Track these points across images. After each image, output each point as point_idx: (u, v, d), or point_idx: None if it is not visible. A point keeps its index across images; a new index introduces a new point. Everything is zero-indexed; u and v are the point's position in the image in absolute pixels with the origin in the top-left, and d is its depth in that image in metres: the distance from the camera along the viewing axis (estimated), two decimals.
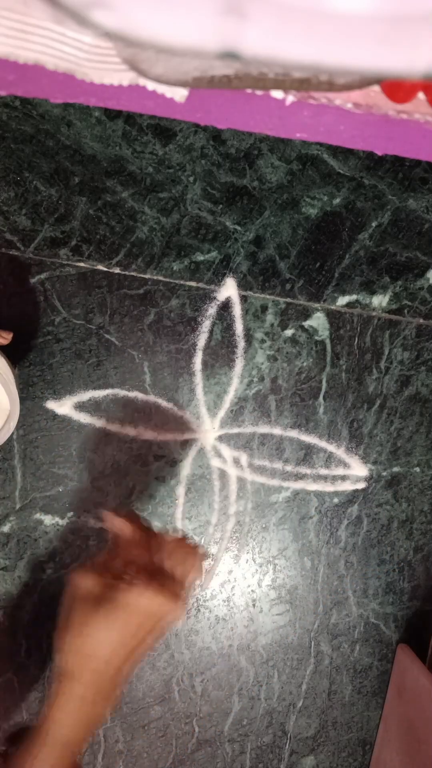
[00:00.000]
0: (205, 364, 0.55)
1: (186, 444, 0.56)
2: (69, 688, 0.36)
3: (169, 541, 0.41)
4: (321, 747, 0.63)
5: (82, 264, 0.53)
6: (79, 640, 0.37)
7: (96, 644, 0.37)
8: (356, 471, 0.58)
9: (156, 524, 0.57)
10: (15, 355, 0.49)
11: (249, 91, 0.45)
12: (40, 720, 0.37)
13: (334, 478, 0.58)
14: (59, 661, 0.38)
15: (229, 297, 0.55)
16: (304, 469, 0.58)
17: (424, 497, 0.60)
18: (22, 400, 0.54)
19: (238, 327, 0.55)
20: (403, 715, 0.58)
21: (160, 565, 0.40)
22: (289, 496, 0.58)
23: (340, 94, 0.45)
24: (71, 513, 0.56)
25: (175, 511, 0.57)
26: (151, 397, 0.55)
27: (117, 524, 0.42)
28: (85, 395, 0.55)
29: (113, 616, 0.36)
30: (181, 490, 0.57)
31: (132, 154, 0.51)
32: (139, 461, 0.56)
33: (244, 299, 0.55)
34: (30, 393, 0.54)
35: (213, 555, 0.58)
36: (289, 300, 0.55)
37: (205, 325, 0.55)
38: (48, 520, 0.56)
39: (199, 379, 0.56)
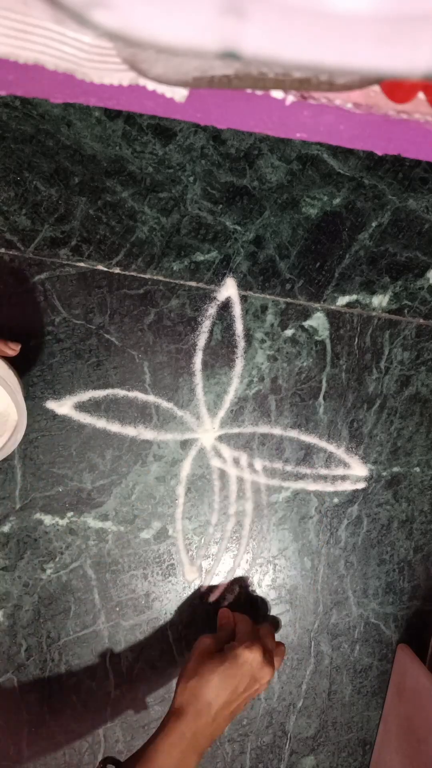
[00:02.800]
0: (205, 364, 0.55)
1: (186, 444, 0.56)
2: (175, 723, 0.45)
3: (263, 627, 0.53)
4: (321, 747, 0.63)
5: (82, 264, 0.53)
6: (193, 681, 0.46)
7: (204, 685, 0.45)
8: (356, 471, 0.58)
9: (156, 524, 0.57)
10: (15, 357, 0.49)
11: (249, 91, 0.45)
12: (145, 747, 0.45)
13: (334, 478, 0.58)
14: (175, 701, 0.47)
15: (229, 297, 0.55)
16: (304, 469, 0.58)
17: (424, 497, 0.60)
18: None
19: (238, 327, 0.55)
20: (403, 715, 0.58)
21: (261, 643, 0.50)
22: (289, 496, 0.58)
23: (340, 94, 0.45)
24: (71, 513, 0.56)
25: (175, 511, 0.57)
26: (151, 397, 0.55)
27: (223, 614, 0.56)
28: (85, 395, 0.55)
29: (225, 663, 0.46)
30: (181, 490, 0.57)
31: (132, 154, 0.51)
32: (139, 461, 0.56)
33: (244, 299, 0.55)
34: (30, 393, 0.54)
35: (213, 555, 0.58)
36: (289, 300, 0.55)
37: (205, 325, 0.55)
38: (48, 520, 0.56)
39: (199, 379, 0.56)
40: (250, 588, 0.59)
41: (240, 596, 0.59)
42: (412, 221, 0.54)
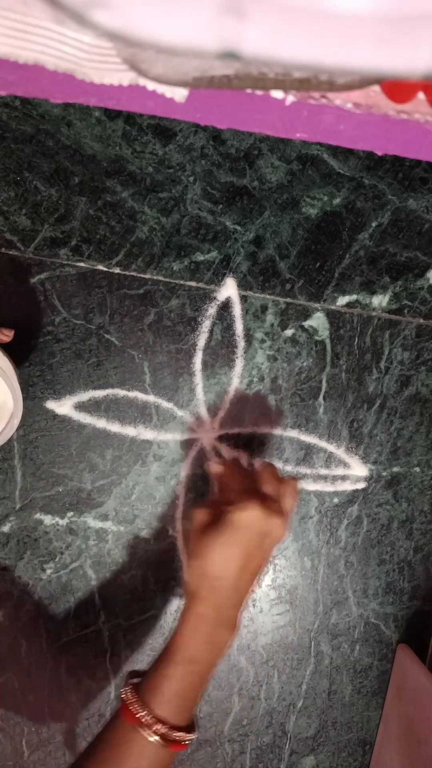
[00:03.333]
0: (205, 364, 0.55)
1: (186, 444, 0.56)
2: (192, 606, 0.41)
3: (263, 470, 0.46)
4: (321, 747, 0.63)
5: (82, 264, 0.53)
6: (198, 561, 0.41)
7: (212, 563, 0.41)
8: (356, 471, 0.58)
9: (156, 524, 0.57)
10: (15, 356, 0.49)
11: (249, 91, 0.45)
12: (168, 642, 0.42)
13: (334, 478, 0.58)
14: (186, 585, 0.42)
15: (229, 297, 0.55)
16: (304, 469, 0.58)
17: (424, 497, 0.60)
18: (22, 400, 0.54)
19: (238, 327, 0.55)
20: (403, 715, 0.58)
21: (261, 491, 0.44)
22: None
23: (340, 94, 0.45)
24: (71, 513, 0.56)
25: (175, 511, 0.57)
26: (151, 397, 0.55)
27: (215, 468, 0.48)
28: (85, 395, 0.55)
29: (224, 534, 0.41)
30: (181, 490, 0.57)
31: (132, 154, 0.51)
32: (139, 461, 0.56)
33: (244, 299, 0.55)
34: (30, 393, 0.54)
35: None
36: (289, 300, 0.55)
37: (205, 325, 0.55)
38: (48, 520, 0.56)
39: (199, 379, 0.56)
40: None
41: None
42: (412, 221, 0.54)
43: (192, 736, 0.40)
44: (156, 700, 0.39)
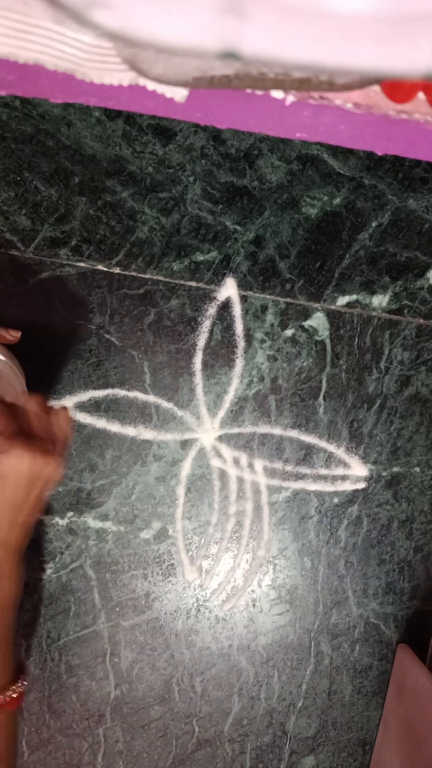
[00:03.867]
0: (205, 364, 0.55)
1: (186, 444, 0.56)
2: None
3: (31, 405, 0.41)
4: (321, 747, 0.63)
5: (82, 264, 0.53)
6: None
7: None
8: (356, 471, 0.58)
9: (156, 524, 0.57)
10: (15, 355, 0.49)
11: (249, 91, 0.45)
12: None
13: (334, 478, 0.58)
14: None
15: (229, 297, 0.55)
16: (304, 469, 0.58)
17: (424, 497, 0.60)
18: None
19: (238, 327, 0.55)
20: (403, 715, 0.58)
21: (29, 430, 0.39)
22: (289, 496, 0.58)
23: (340, 94, 0.45)
24: (71, 513, 0.56)
25: (175, 511, 0.57)
26: (151, 397, 0.55)
27: None
28: (85, 395, 0.55)
29: None
30: (181, 490, 0.57)
31: (132, 154, 0.51)
32: (139, 461, 0.56)
33: (244, 299, 0.55)
34: (30, 393, 0.54)
35: (213, 555, 0.58)
36: (289, 300, 0.55)
37: (205, 325, 0.55)
38: (48, 520, 0.56)
39: (199, 379, 0.56)
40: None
41: (241, 597, 0.59)
42: (412, 221, 0.54)
43: (17, 687, 0.39)
44: None
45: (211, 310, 0.55)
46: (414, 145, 0.50)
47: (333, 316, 0.56)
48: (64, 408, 0.43)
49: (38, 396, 0.42)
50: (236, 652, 0.60)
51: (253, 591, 0.59)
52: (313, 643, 0.61)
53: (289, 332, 0.56)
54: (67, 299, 0.53)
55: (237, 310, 0.55)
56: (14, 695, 0.38)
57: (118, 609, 0.58)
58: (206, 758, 0.61)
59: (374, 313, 0.56)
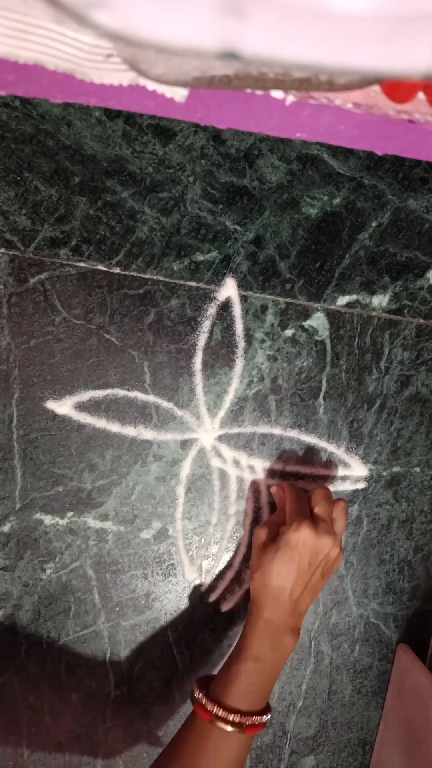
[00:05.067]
0: (205, 364, 0.55)
1: (186, 444, 0.56)
2: (256, 612, 0.48)
3: (315, 493, 0.51)
4: (321, 747, 0.63)
5: (82, 264, 0.53)
6: (260, 574, 0.48)
7: (272, 576, 0.47)
8: (356, 471, 0.58)
9: (156, 524, 0.57)
10: (15, 356, 0.49)
11: (249, 91, 0.45)
12: (235, 647, 0.48)
13: (334, 478, 0.58)
14: (251, 596, 0.49)
15: (229, 297, 0.55)
16: (304, 469, 0.58)
17: (424, 497, 0.60)
18: (22, 400, 0.54)
19: (238, 327, 0.55)
20: (403, 715, 0.58)
21: (313, 512, 0.50)
22: None
23: (340, 94, 0.45)
24: (71, 513, 0.56)
25: (175, 511, 0.57)
26: (151, 397, 0.55)
27: (277, 492, 0.56)
28: (85, 395, 0.55)
29: (281, 551, 0.47)
30: (181, 490, 0.57)
31: (132, 154, 0.51)
32: (139, 461, 0.56)
33: (244, 299, 0.55)
34: (30, 393, 0.54)
35: (213, 555, 0.58)
36: (289, 300, 0.55)
37: (205, 325, 0.55)
38: (48, 520, 0.56)
39: (199, 379, 0.56)
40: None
41: (240, 597, 0.59)
42: (412, 221, 0.54)
43: (265, 717, 0.46)
44: (227, 694, 0.45)
45: (211, 310, 0.55)
46: (414, 145, 0.50)
47: (333, 316, 0.56)
48: (342, 500, 0.52)
49: (325, 488, 0.52)
50: None
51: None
52: (313, 643, 0.61)
53: (289, 332, 0.56)
54: (67, 299, 0.53)
55: (237, 310, 0.55)
56: (259, 723, 0.45)
57: (118, 609, 0.58)
58: None
59: (374, 313, 0.56)
